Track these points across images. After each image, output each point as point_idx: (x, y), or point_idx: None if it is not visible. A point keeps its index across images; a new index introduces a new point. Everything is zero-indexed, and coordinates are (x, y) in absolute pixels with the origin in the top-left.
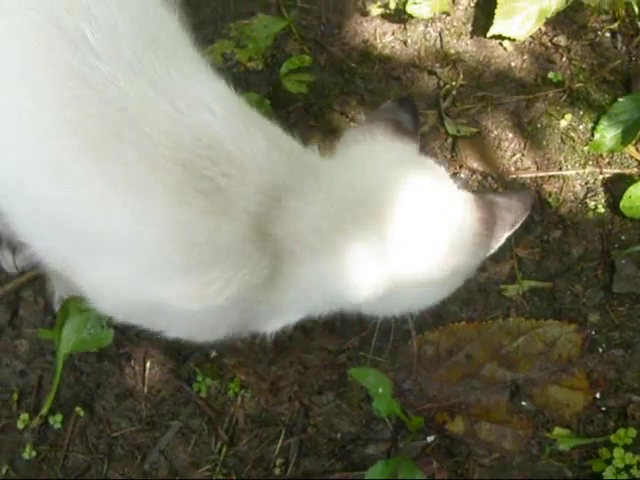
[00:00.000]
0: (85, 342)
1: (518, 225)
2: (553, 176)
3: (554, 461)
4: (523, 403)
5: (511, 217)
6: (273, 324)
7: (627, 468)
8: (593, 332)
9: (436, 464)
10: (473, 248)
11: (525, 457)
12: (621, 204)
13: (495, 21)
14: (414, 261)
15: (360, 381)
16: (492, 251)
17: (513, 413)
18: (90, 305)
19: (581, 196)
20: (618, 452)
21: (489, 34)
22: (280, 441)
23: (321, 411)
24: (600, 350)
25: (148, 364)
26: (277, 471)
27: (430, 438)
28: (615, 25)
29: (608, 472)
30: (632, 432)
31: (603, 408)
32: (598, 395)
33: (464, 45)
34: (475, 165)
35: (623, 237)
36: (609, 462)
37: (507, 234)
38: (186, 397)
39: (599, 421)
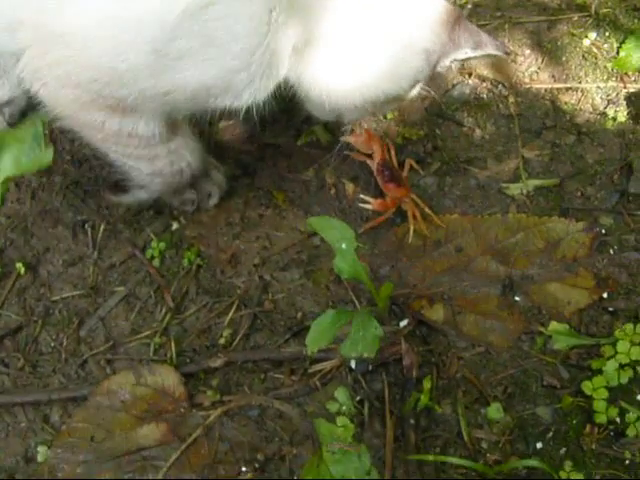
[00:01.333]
0: (23, 165)
1: (484, 52)
2: (571, 88)
3: (548, 358)
4: (517, 298)
5: (478, 38)
6: (245, 97)
7: (633, 365)
8: (604, 232)
9: (405, 345)
10: (425, 44)
11: (513, 353)
12: None
13: None
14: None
15: (320, 232)
16: (446, 62)
17: (504, 307)
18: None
19: (601, 108)
20: (622, 346)
21: None
22: (231, 313)
23: (283, 288)
24: (611, 252)
25: (102, 229)
26: (222, 341)
27: (403, 323)
28: None
29: (609, 367)
30: None
31: (610, 309)
32: (605, 295)
33: None
34: (485, 73)
35: None
36: (612, 359)
37: (468, 52)
38: (138, 265)
39: (604, 323)
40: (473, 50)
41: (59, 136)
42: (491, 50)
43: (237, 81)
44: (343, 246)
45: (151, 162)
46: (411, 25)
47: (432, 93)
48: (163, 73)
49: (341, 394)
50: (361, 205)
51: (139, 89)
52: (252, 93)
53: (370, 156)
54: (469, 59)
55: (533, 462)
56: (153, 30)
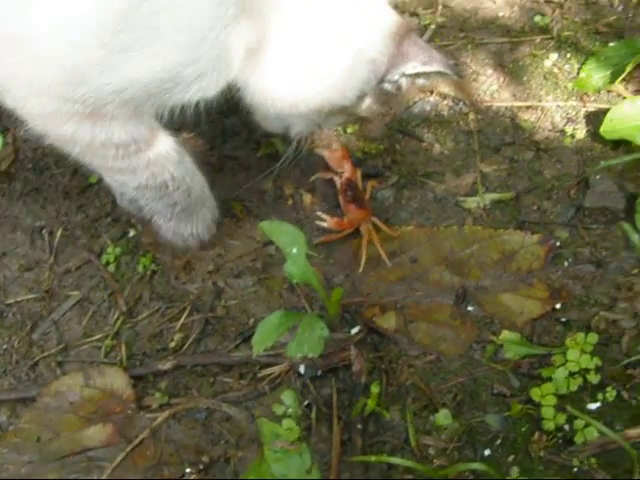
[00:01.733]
0: None
1: (433, 69)
2: (531, 107)
3: (499, 366)
4: (470, 308)
5: (428, 54)
6: (194, 91)
7: (583, 373)
8: (559, 245)
9: (355, 350)
10: (373, 54)
11: (464, 362)
12: (601, 129)
13: None
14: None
15: (271, 236)
16: (395, 76)
17: (457, 317)
18: None
19: (560, 125)
20: (572, 354)
21: None
22: (183, 317)
23: (236, 294)
24: (566, 264)
25: (59, 235)
26: (172, 345)
27: (354, 330)
28: None
29: (558, 374)
30: (593, 337)
31: (563, 319)
32: (558, 306)
33: None
34: (446, 90)
35: (603, 162)
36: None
37: (417, 67)
38: (93, 270)
39: (557, 333)
40: (422, 65)
41: (22, 145)
42: (440, 67)
43: (186, 74)
44: (294, 251)
45: (133, 174)
46: (359, 34)
47: (392, 110)
48: (115, 67)
49: (287, 397)
50: (318, 222)
51: (96, 86)
52: (201, 88)
53: (336, 173)
54: (418, 75)
55: (479, 465)
56: (99, 24)
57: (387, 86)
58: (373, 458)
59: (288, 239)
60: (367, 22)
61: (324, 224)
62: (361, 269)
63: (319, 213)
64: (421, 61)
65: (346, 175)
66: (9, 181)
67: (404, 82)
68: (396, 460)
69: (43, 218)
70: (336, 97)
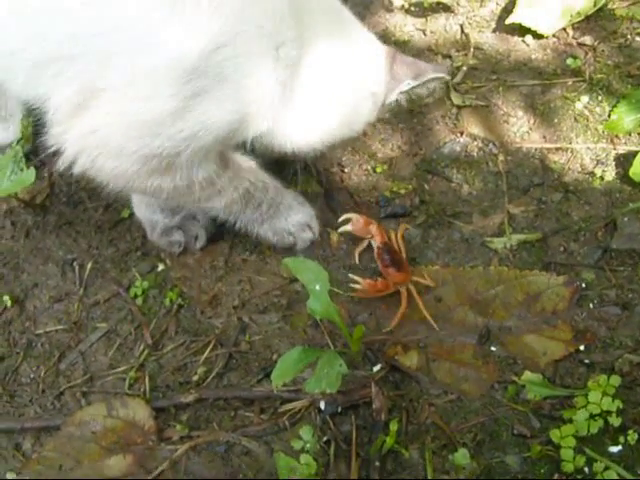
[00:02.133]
0: (7, 188)
1: (426, 78)
2: (561, 148)
3: (520, 407)
4: (493, 348)
5: (416, 68)
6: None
7: (604, 415)
8: (584, 286)
9: (375, 388)
10: (372, 88)
11: (485, 402)
12: (631, 171)
13: (516, 9)
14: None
15: (295, 273)
16: (392, 97)
17: (479, 357)
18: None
19: (589, 167)
20: (594, 396)
21: (509, 20)
22: (207, 351)
23: (260, 330)
24: (591, 306)
25: (89, 268)
26: (195, 378)
27: (376, 368)
28: None
29: (579, 416)
30: (616, 380)
31: (587, 361)
32: (582, 348)
33: (485, 38)
34: (476, 131)
35: (631, 205)
36: (582, 409)
37: (410, 83)
38: (121, 303)
39: (580, 375)
40: (414, 80)
41: (57, 179)
42: (432, 74)
43: (249, 112)
44: (317, 287)
45: (220, 195)
46: (358, 74)
47: (422, 150)
48: (185, 114)
49: (306, 432)
50: (350, 285)
51: (168, 135)
52: (258, 125)
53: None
54: (414, 87)
55: None
56: (171, 76)
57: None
58: None
59: (311, 276)
60: (366, 60)
61: (357, 286)
62: (394, 324)
63: (352, 276)
64: (412, 76)
65: (378, 239)
66: (44, 214)
67: (402, 98)
68: None
69: (75, 251)
70: (345, 132)
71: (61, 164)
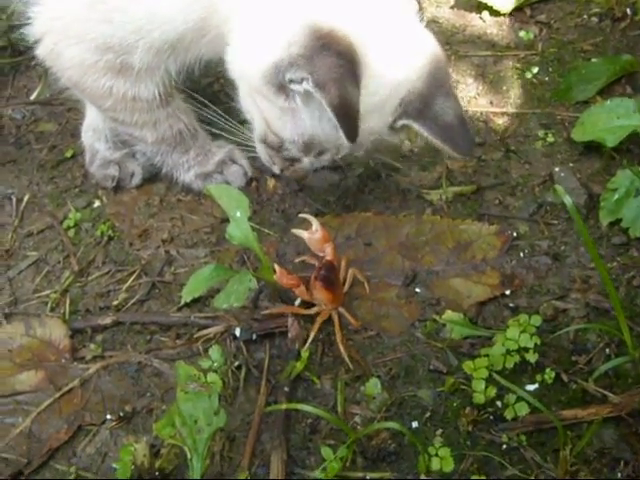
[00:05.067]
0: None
1: None
2: (506, 113)
3: (438, 344)
4: (417, 290)
5: None
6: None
7: (522, 352)
8: (516, 236)
9: (292, 318)
10: None
11: (404, 339)
12: (572, 132)
13: None
14: None
15: (217, 199)
16: None
17: (403, 297)
18: None
19: (533, 131)
20: (512, 332)
21: None
22: (131, 280)
23: (187, 263)
24: (522, 255)
25: (26, 200)
26: (115, 303)
27: (297, 302)
28: (604, 10)
29: (495, 351)
30: (537, 320)
31: (511, 305)
32: (508, 293)
33: (442, 12)
34: None
35: (571, 164)
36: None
37: None
38: (54, 235)
39: (503, 318)
40: None
41: (7, 122)
42: None
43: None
44: (238, 214)
45: (154, 128)
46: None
47: None
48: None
49: (215, 352)
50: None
51: (121, 23)
52: (210, 44)
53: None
54: None
55: (395, 425)
56: None
57: None
58: (284, 406)
59: (233, 203)
60: None
61: (304, 236)
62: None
63: (296, 231)
64: None
65: (327, 258)
66: None
67: None
68: (304, 407)
69: (15, 186)
70: None
71: (30, 37)
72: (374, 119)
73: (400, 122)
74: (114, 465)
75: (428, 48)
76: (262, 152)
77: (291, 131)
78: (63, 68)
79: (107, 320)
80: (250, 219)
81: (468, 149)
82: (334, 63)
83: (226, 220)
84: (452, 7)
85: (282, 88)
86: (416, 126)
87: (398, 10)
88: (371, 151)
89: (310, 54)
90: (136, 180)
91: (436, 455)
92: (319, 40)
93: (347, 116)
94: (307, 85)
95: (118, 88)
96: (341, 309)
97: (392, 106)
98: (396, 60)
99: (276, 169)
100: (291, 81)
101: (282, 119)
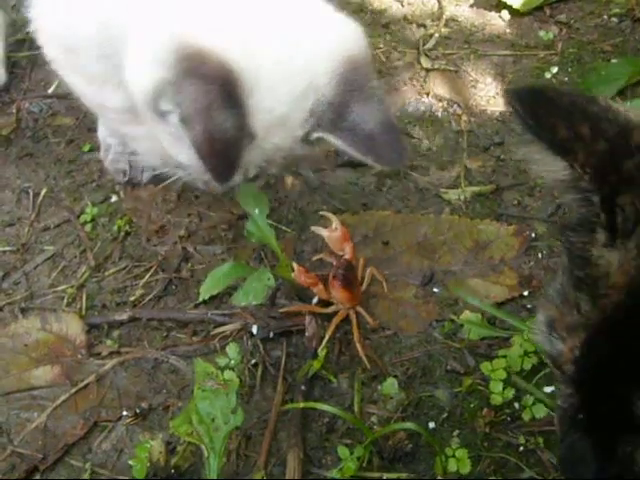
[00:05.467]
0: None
1: None
2: None
3: (456, 344)
4: (435, 290)
5: None
6: None
7: (539, 353)
8: (535, 237)
9: (309, 315)
10: None
11: (421, 338)
12: None
13: None
14: None
15: (235, 196)
16: None
17: (420, 297)
18: None
19: None
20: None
21: None
22: (148, 275)
23: (203, 260)
24: (540, 256)
25: (43, 195)
26: (132, 299)
27: (314, 300)
28: (624, 10)
29: (513, 352)
30: None
31: (529, 306)
32: (526, 293)
33: (461, 10)
34: (443, 93)
35: None
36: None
37: None
38: (70, 229)
39: (521, 319)
40: None
41: (25, 116)
42: None
43: None
44: (256, 211)
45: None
46: None
47: None
48: None
49: (232, 350)
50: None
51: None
52: None
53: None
54: None
55: (412, 425)
56: None
57: None
58: (301, 404)
59: (251, 200)
60: None
61: (323, 234)
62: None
63: (315, 228)
64: None
65: (346, 257)
66: (7, 146)
67: None
68: (323, 406)
69: (32, 180)
70: None
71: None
72: (278, 136)
73: (314, 135)
74: (130, 462)
75: (341, 47)
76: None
77: (188, 156)
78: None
79: (124, 316)
80: (268, 216)
81: (396, 159)
82: (200, 90)
83: (243, 217)
84: (471, 6)
85: (163, 114)
86: (332, 139)
87: (300, 5)
88: (290, 164)
89: (176, 80)
90: (146, 175)
91: (453, 456)
92: (183, 63)
93: (214, 154)
94: (175, 119)
95: (91, 97)
96: (359, 308)
97: (298, 119)
98: (295, 68)
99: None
100: (165, 112)
101: (175, 145)
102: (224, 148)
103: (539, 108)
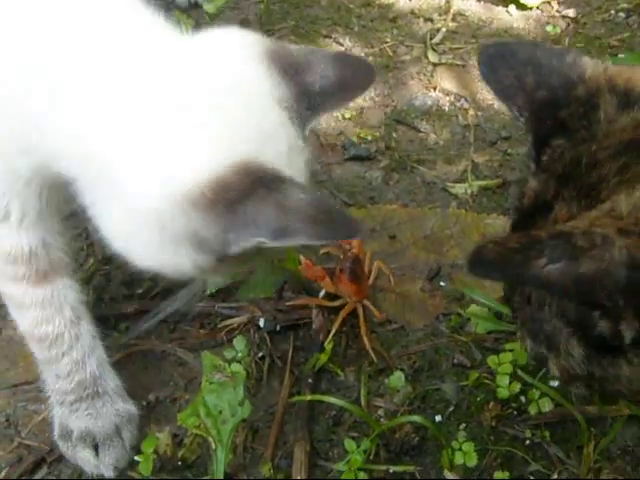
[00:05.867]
0: None
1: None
2: None
3: (463, 338)
4: (442, 283)
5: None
6: None
7: None
8: None
9: (316, 308)
10: None
11: (428, 332)
12: None
13: None
14: None
15: None
16: None
17: (427, 290)
18: None
19: None
20: None
21: None
22: None
23: None
24: None
25: None
26: (140, 291)
27: (322, 293)
28: (632, 5)
29: (519, 346)
30: None
31: None
32: None
33: (468, 5)
34: (449, 87)
35: None
36: None
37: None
38: (77, 222)
39: None
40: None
41: None
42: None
43: None
44: None
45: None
46: None
47: (393, 101)
48: None
49: (239, 342)
50: None
51: None
52: None
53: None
54: None
55: (419, 418)
56: None
57: None
58: (308, 397)
59: None
60: None
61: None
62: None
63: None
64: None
65: (353, 250)
66: None
67: None
68: (330, 399)
69: None
70: None
71: None
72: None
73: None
74: (136, 458)
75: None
76: None
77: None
78: None
79: (130, 308)
80: None
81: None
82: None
83: None
84: (479, 0)
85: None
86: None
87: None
88: None
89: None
90: None
91: (459, 449)
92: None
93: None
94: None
95: None
96: (366, 302)
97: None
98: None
99: None
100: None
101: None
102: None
103: (497, 60)
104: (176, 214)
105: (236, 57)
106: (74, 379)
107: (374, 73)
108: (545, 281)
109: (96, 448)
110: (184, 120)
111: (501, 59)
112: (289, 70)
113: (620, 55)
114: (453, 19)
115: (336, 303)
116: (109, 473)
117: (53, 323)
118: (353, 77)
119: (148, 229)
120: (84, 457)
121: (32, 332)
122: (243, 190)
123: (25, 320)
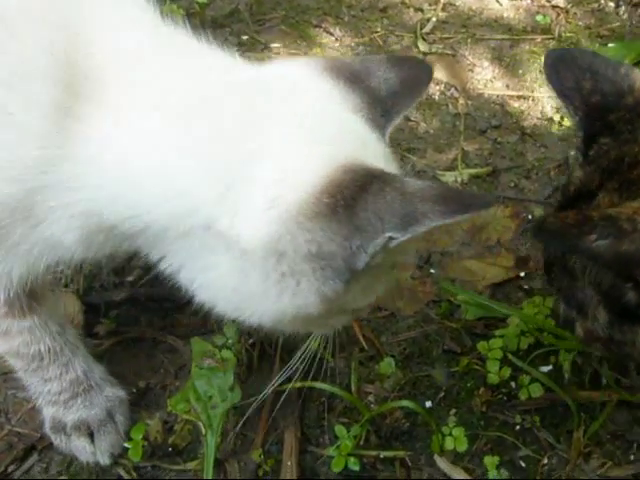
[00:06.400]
0: None
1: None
2: (523, 96)
3: (453, 324)
4: (432, 271)
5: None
6: None
7: (536, 334)
8: (531, 218)
9: None
10: None
11: (419, 319)
12: None
13: None
14: None
15: None
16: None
17: (417, 277)
18: None
19: (549, 114)
20: (527, 313)
21: None
22: None
23: None
24: None
25: None
26: (130, 279)
27: None
28: None
29: (510, 331)
30: (551, 302)
31: (526, 287)
32: (523, 275)
33: None
34: (440, 76)
35: None
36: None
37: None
38: None
39: (517, 299)
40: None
41: None
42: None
43: None
44: None
45: (3, 337)
46: None
47: None
48: None
49: (229, 329)
50: None
51: None
52: None
53: None
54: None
55: (409, 403)
56: None
57: None
58: (298, 383)
59: None
60: None
61: None
62: None
63: None
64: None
65: None
66: None
67: None
68: (321, 385)
69: None
70: None
71: None
72: None
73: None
74: (125, 444)
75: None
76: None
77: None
78: None
79: (121, 295)
80: None
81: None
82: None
83: None
84: None
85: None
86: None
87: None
88: None
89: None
90: None
91: (450, 435)
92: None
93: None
94: None
95: None
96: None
97: None
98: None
99: None
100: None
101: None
102: None
103: (560, 63)
104: (293, 232)
105: (304, 79)
106: (65, 379)
107: (431, 68)
108: (593, 253)
109: (91, 436)
110: (278, 142)
111: (564, 63)
112: (353, 79)
113: (610, 44)
114: (443, 9)
115: None
116: (105, 459)
117: (43, 341)
118: (413, 75)
119: (263, 267)
120: (79, 446)
121: (21, 352)
122: (358, 186)
123: (13, 343)
